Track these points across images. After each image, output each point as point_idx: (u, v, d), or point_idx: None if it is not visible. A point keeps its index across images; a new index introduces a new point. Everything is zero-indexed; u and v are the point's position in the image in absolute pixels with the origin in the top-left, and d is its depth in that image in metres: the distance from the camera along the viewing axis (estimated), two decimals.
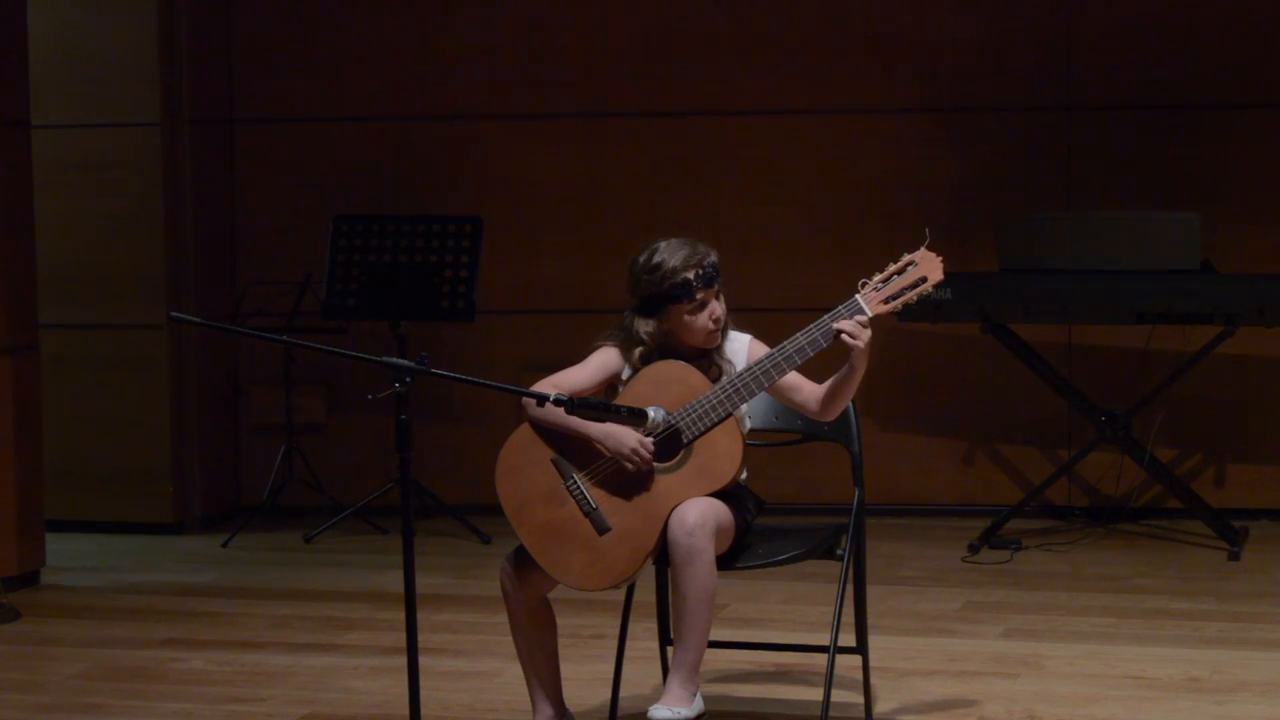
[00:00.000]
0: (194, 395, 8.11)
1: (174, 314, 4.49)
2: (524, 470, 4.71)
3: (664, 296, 4.73)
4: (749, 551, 4.80)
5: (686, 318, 4.74)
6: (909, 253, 4.70)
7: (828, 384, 4.72)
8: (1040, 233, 7.31)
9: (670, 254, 4.73)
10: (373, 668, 5.80)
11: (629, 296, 4.81)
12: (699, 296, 4.72)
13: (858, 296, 4.66)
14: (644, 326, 4.77)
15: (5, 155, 6.95)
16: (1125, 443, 7.39)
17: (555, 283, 8.20)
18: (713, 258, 4.76)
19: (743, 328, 4.88)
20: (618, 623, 5.06)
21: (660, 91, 8.17)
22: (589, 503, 4.65)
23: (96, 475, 8.04)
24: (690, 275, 4.71)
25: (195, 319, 4.62)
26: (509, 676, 5.34)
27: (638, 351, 4.77)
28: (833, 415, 4.77)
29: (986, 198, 7.85)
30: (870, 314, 4.64)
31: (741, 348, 4.84)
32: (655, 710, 4.60)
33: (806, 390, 4.76)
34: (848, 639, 4.95)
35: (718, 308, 4.76)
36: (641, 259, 4.77)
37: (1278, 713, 5.17)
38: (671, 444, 4.66)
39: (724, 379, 4.70)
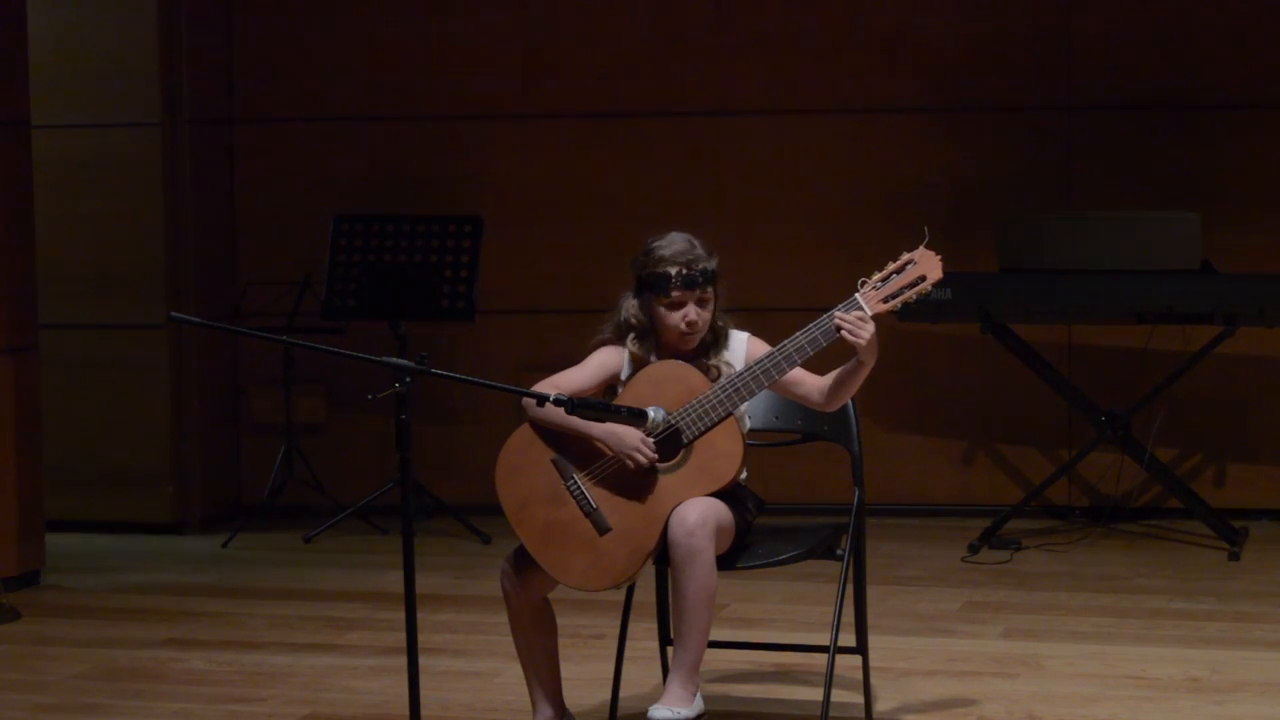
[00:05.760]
0: (194, 395, 8.11)
1: (174, 314, 4.48)
2: (524, 471, 4.71)
3: (643, 282, 4.75)
4: (749, 551, 4.79)
5: (660, 309, 4.74)
6: (908, 251, 4.70)
7: (833, 375, 4.71)
8: (1040, 233, 7.30)
9: (667, 244, 4.75)
10: (373, 668, 5.80)
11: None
12: (674, 295, 4.71)
13: (857, 295, 4.65)
14: (631, 307, 4.80)
15: (5, 155, 6.94)
16: (1125, 443, 7.39)
17: (555, 283, 8.20)
18: (706, 264, 4.73)
19: (742, 327, 4.88)
20: (618, 623, 5.06)
21: (661, 91, 8.17)
22: (589, 503, 4.65)
23: (96, 475, 8.04)
24: (671, 271, 4.70)
25: (195, 319, 4.62)
26: (509, 676, 5.35)
27: (630, 336, 4.77)
28: (836, 405, 4.76)
29: (986, 198, 7.85)
30: (870, 313, 4.62)
31: (740, 346, 4.83)
32: (655, 710, 4.59)
33: (809, 383, 4.75)
34: (848, 639, 4.95)
35: (694, 312, 4.72)
36: (650, 240, 4.79)
37: (1278, 713, 5.17)
38: (671, 444, 4.65)
39: (723, 378, 4.70)
